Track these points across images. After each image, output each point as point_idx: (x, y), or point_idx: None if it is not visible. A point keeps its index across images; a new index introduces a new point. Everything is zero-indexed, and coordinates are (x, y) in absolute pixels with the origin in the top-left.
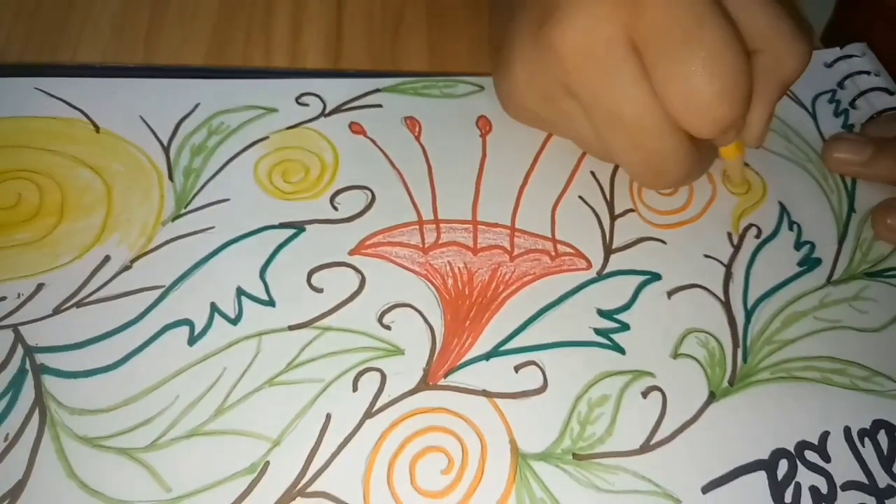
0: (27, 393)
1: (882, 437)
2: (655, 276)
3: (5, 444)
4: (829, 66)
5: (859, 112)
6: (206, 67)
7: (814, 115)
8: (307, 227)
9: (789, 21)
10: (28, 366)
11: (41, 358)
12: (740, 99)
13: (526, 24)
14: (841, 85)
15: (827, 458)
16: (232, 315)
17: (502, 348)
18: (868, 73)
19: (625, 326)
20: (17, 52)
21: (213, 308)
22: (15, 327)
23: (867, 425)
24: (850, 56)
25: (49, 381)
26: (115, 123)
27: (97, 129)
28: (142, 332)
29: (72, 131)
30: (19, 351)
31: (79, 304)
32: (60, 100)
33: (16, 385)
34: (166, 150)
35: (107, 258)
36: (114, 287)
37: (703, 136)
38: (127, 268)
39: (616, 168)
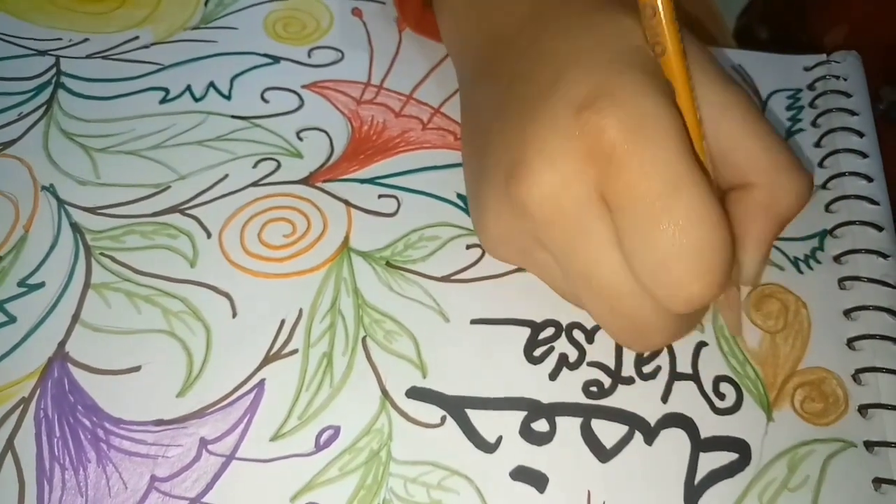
0: (44, 97)
1: None
2: None
3: (18, 118)
4: (809, 69)
5: (816, 111)
6: None
7: (763, 104)
8: (282, 61)
9: (786, 153)
10: (52, 78)
11: (63, 78)
12: (716, 277)
13: (494, 177)
14: (811, 87)
15: None
16: (198, 95)
17: (377, 180)
18: (838, 77)
19: None
20: None
21: (188, 87)
22: (58, 58)
23: None
24: (832, 62)
25: (62, 95)
26: None
27: None
28: (133, 85)
29: None
30: (53, 70)
31: (105, 57)
32: None
33: (40, 90)
34: None
35: (136, 37)
36: (130, 55)
37: (676, 312)
38: (146, 46)
39: None
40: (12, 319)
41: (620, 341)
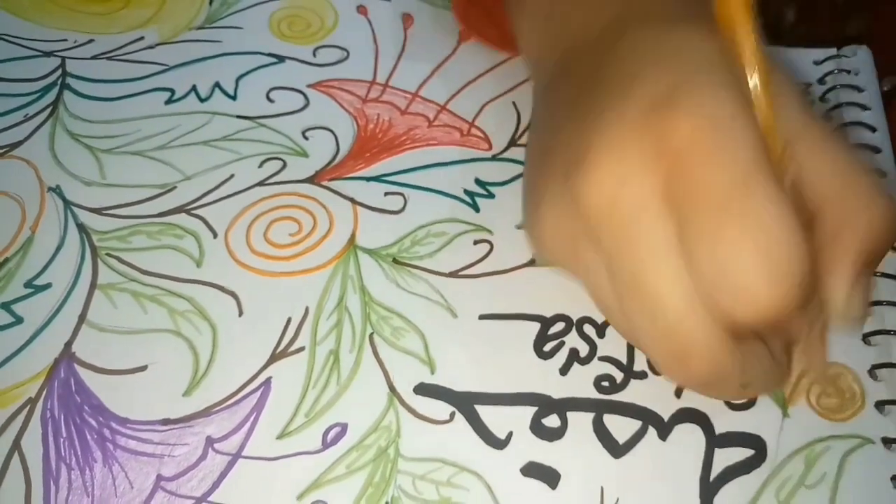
0: (49, 98)
1: None
2: None
3: (24, 119)
4: (819, 63)
5: (826, 106)
6: None
7: None
8: (287, 61)
9: (864, 176)
10: (58, 80)
11: (69, 80)
12: (790, 285)
13: (555, 171)
14: (821, 81)
15: None
16: (203, 96)
17: (383, 178)
18: (849, 71)
19: (491, 195)
20: None
21: (193, 88)
22: (63, 59)
23: None
24: (842, 56)
25: (67, 96)
26: None
27: None
28: (139, 85)
29: None
30: (58, 72)
31: (110, 58)
32: None
33: (46, 91)
34: None
35: (141, 37)
36: (136, 55)
37: (744, 323)
38: (151, 47)
39: None
40: (19, 320)
41: (662, 367)
